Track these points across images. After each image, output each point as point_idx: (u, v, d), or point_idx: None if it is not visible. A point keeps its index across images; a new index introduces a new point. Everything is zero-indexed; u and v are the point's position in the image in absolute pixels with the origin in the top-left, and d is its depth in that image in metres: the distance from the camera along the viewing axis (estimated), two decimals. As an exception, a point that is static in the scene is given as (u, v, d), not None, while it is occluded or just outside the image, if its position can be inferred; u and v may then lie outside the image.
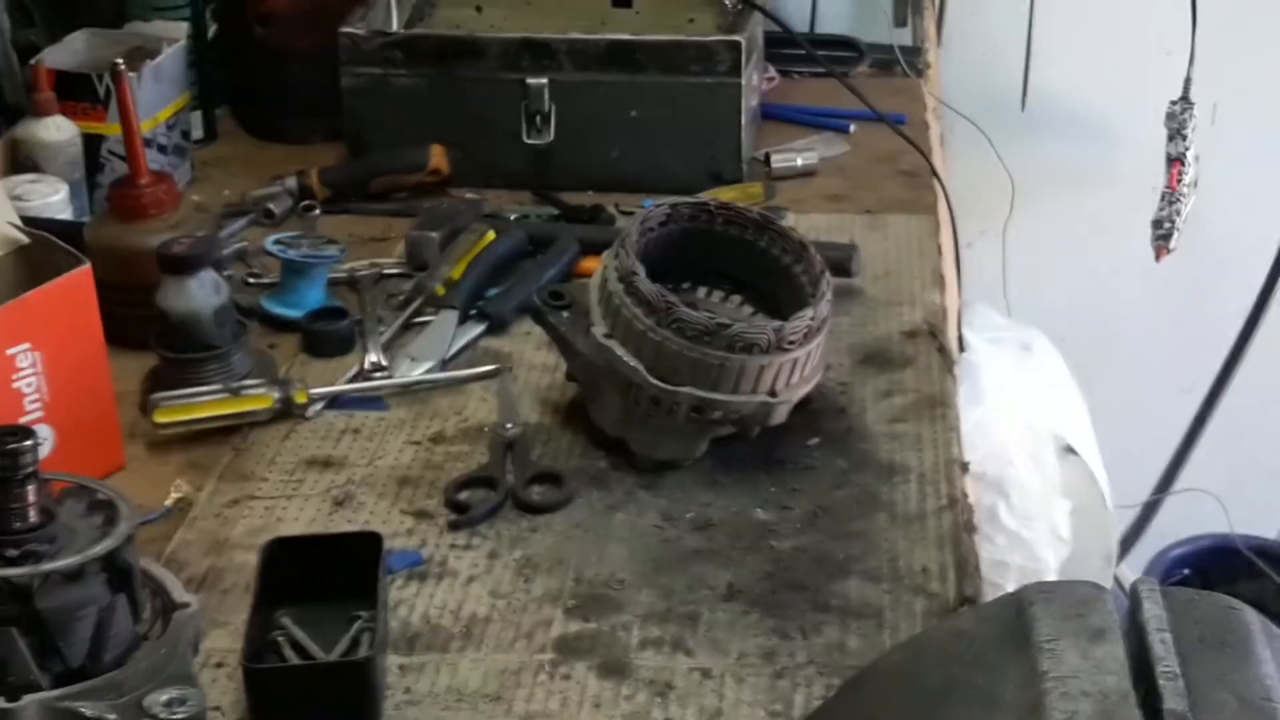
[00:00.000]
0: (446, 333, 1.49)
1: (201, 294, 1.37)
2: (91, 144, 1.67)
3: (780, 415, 1.30)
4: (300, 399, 1.37)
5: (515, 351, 1.49)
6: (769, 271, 1.38)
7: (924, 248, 1.67)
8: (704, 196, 1.43)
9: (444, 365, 1.46)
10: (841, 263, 1.58)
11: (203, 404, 1.35)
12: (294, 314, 1.52)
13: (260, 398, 1.36)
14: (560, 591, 1.18)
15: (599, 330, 1.30)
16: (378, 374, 1.44)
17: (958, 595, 1.17)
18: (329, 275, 1.56)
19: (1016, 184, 2.17)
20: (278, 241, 1.55)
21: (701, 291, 1.42)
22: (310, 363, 1.47)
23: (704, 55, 1.73)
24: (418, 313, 1.52)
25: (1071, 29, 2.32)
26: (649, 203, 1.71)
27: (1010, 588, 0.87)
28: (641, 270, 1.27)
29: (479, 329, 1.51)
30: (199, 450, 1.34)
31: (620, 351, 1.28)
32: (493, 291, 1.55)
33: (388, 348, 1.47)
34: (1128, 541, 2.52)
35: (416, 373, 1.44)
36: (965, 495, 1.29)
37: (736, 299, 1.42)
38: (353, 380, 1.43)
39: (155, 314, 1.37)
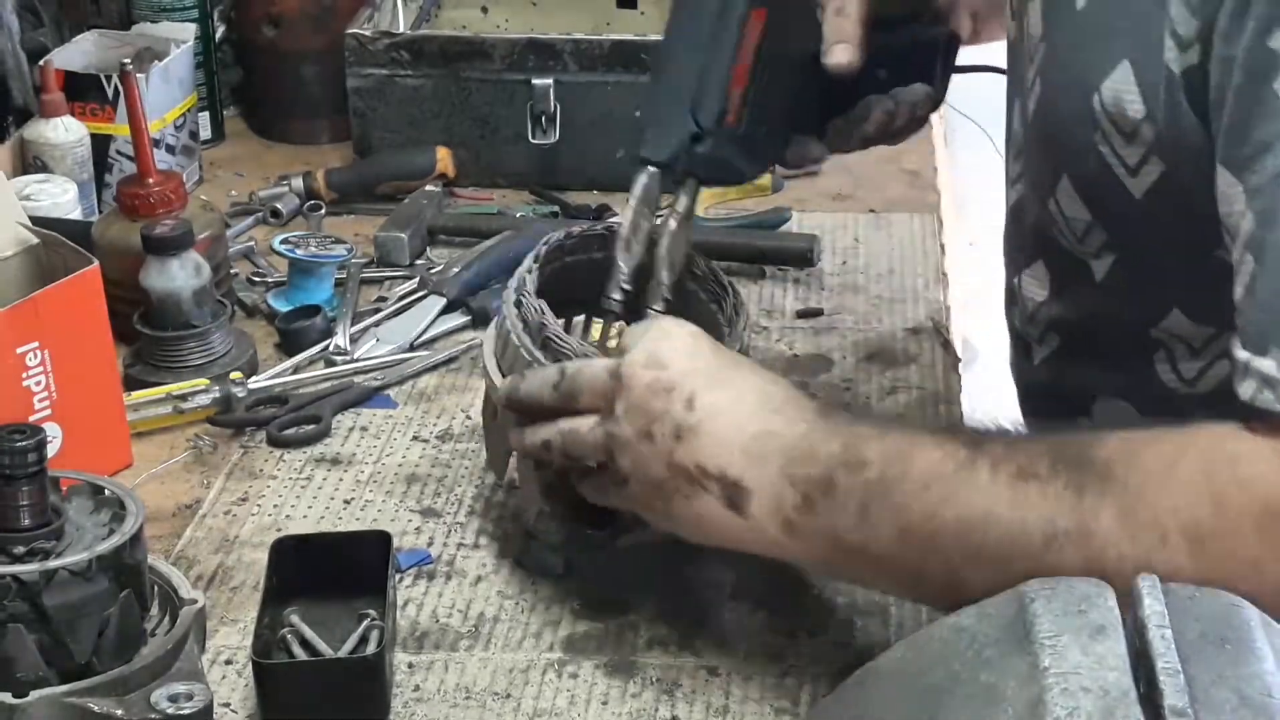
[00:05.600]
0: (423, 318, 1.50)
1: (183, 274, 1.40)
2: (100, 144, 1.67)
3: None
4: (240, 395, 1.39)
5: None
6: (691, 308, 1.21)
7: (927, 246, 1.67)
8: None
9: (412, 349, 1.47)
10: (804, 254, 1.60)
11: (148, 419, 1.36)
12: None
13: (204, 410, 1.37)
14: (567, 591, 1.18)
15: (490, 364, 1.17)
16: (340, 358, 1.45)
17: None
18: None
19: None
20: (285, 241, 1.55)
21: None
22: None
23: (709, 55, 1.73)
24: (411, 303, 1.53)
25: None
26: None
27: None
28: (531, 293, 1.14)
29: (462, 320, 1.52)
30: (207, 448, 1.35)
31: (491, 365, 1.16)
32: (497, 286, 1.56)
33: (361, 333, 1.48)
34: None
35: (377, 353, 1.45)
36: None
37: None
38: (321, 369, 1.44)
39: (139, 294, 1.40)
